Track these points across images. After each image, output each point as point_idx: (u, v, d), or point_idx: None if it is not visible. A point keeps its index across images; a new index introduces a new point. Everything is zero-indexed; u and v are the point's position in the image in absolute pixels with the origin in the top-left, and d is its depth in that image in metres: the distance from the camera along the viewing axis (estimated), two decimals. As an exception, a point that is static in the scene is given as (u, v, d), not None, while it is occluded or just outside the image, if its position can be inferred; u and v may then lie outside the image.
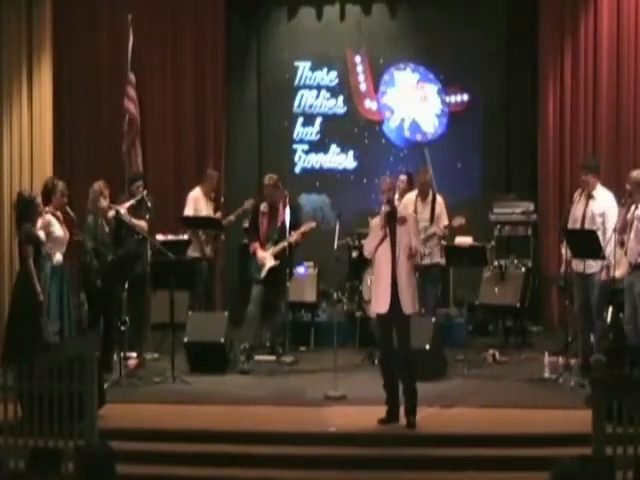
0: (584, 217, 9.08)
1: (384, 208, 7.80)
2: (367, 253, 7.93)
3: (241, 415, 8.04)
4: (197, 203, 10.89)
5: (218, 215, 11.02)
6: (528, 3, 12.02)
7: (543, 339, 10.90)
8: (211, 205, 11.00)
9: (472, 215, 10.74)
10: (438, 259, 10.27)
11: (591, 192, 9.11)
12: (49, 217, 8.81)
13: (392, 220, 7.73)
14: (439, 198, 10.47)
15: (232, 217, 11.00)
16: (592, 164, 9.59)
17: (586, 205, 9.11)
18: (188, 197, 10.95)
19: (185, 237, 10.67)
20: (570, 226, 9.16)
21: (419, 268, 8.31)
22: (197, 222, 10.79)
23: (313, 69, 12.59)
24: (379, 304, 7.75)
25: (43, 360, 6.84)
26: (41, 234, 8.59)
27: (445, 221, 10.32)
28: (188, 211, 10.87)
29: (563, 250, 9.24)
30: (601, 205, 9.06)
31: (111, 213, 9.51)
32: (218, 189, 11.26)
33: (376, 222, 7.88)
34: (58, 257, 8.81)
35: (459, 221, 10.30)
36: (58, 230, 8.85)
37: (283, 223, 9.94)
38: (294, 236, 9.86)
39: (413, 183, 10.67)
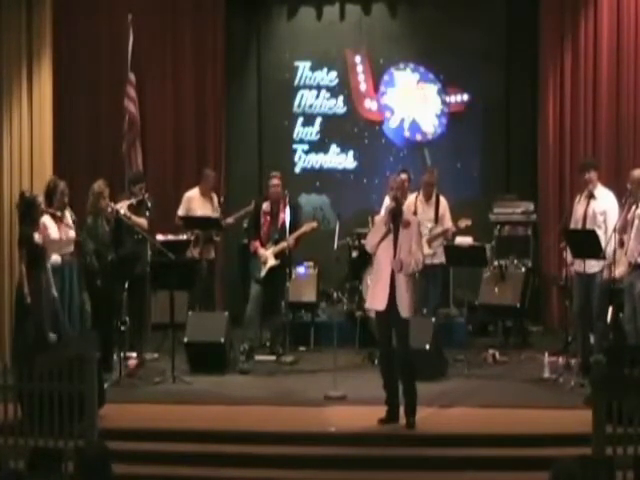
0: (585, 217, 9.09)
1: (390, 204, 7.79)
2: (369, 247, 7.91)
3: (241, 415, 8.04)
4: (190, 203, 10.85)
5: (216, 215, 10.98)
6: (528, 3, 12.02)
7: (543, 339, 10.91)
8: (209, 205, 10.96)
9: (472, 215, 10.73)
10: (443, 259, 10.25)
11: (593, 191, 9.12)
12: (45, 218, 8.81)
13: (397, 219, 7.73)
14: (442, 199, 10.50)
15: (231, 219, 10.96)
16: (590, 162, 9.62)
17: (587, 205, 9.13)
18: (183, 197, 10.95)
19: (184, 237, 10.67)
20: (572, 227, 9.17)
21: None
22: (196, 222, 10.77)
23: (313, 69, 12.58)
24: (375, 301, 7.78)
25: (43, 360, 6.85)
26: (36, 236, 8.59)
27: (449, 221, 10.34)
28: (180, 211, 10.86)
29: (568, 256, 9.20)
30: (602, 204, 9.08)
31: (108, 209, 9.51)
32: (216, 188, 11.23)
33: (380, 218, 7.89)
34: (54, 258, 8.81)
35: (465, 222, 10.31)
36: (54, 232, 8.85)
37: (283, 223, 9.95)
38: (291, 239, 9.85)
39: (411, 182, 10.67)
